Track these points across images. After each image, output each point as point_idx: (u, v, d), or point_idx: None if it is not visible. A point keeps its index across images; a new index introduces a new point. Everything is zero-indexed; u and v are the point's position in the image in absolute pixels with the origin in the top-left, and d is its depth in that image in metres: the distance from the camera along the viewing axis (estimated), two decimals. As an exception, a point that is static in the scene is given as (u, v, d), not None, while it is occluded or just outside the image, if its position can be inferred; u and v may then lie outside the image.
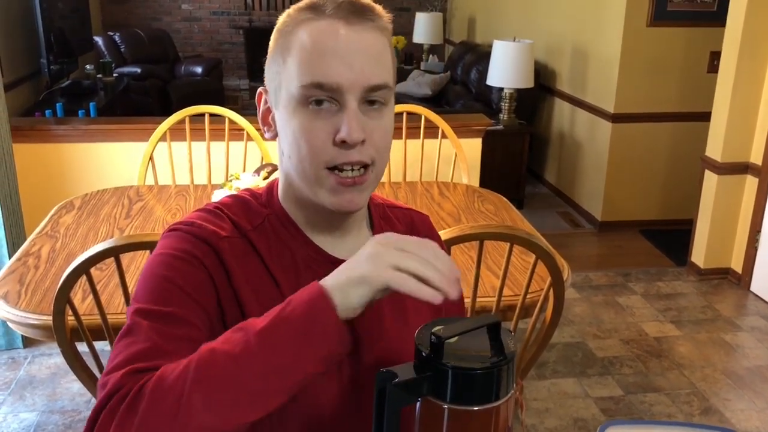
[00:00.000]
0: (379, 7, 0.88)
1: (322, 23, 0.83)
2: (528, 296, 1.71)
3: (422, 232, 1.03)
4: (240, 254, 0.86)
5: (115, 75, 6.06)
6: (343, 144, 0.82)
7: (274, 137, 0.90)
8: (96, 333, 1.60)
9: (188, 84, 6.81)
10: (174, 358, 0.73)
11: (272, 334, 0.71)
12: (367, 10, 0.85)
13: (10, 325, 1.69)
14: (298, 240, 0.91)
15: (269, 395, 0.70)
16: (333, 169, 0.84)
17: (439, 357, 0.70)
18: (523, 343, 1.78)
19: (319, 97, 0.82)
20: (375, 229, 0.98)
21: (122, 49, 6.74)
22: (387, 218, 1.01)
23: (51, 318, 1.55)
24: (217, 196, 2.00)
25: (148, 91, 6.28)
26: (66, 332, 1.56)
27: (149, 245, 1.47)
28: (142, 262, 1.87)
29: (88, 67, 5.98)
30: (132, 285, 1.71)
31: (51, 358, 2.78)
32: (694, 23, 4.05)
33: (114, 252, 1.44)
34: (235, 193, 1.71)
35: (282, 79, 0.85)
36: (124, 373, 0.72)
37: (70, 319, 1.56)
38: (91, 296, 1.67)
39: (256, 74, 8.23)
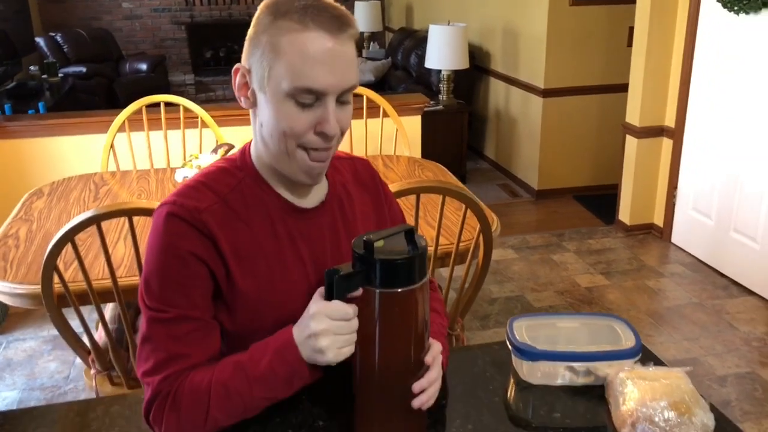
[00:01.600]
0: (350, 15, 1.03)
1: (312, 35, 0.98)
2: (461, 243, 1.96)
3: (364, 176, 1.25)
4: (220, 218, 1.06)
5: (60, 75, 6.10)
6: (322, 134, 1.03)
7: (251, 107, 1.08)
8: (79, 298, 1.79)
9: (134, 81, 6.88)
10: (192, 356, 1.03)
11: (267, 383, 1.01)
12: (344, 22, 1.00)
13: (-1, 297, 1.86)
14: (270, 195, 1.11)
15: (265, 408, 1.05)
16: (306, 147, 1.04)
17: (370, 254, 0.94)
18: (460, 286, 2.03)
19: (307, 98, 1.00)
20: (329, 177, 1.19)
21: (65, 49, 6.77)
22: (336, 168, 1.22)
23: (37, 287, 1.74)
24: (180, 174, 2.20)
25: (95, 90, 6.33)
26: (53, 298, 1.74)
27: (128, 212, 1.67)
28: (121, 228, 2.06)
29: (32, 68, 6.00)
30: (112, 250, 1.90)
31: (25, 342, 2.93)
32: (613, 1, 4.37)
33: (96, 220, 1.63)
34: (197, 170, 1.95)
35: (273, 72, 1.00)
36: (160, 380, 1.02)
37: (56, 285, 1.74)
38: (71, 266, 1.87)
39: (201, 69, 8.33)
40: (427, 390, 1.01)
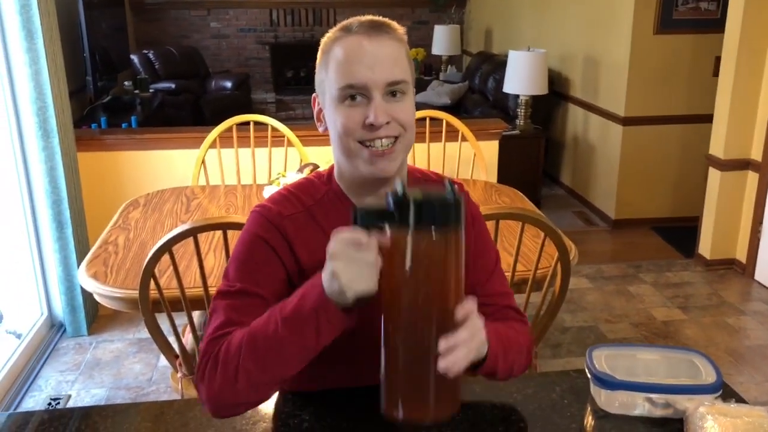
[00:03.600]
0: (394, 23, 1.14)
1: (350, 39, 1.10)
2: (538, 271, 1.98)
3: None
4: (301, 226, 1.17)
5: (150, 91, 6.42)
6: (371, 126, 1.10)
7: (325, 130, 1.19)
8: (170, 304, 1.90)
9: (219, 98, 7.16)
10: (245, 323, 1.07)
11: (293, 322, 1.00)
12: (383, 26, 1.12)
13: (98, 298, 1.99)
14: (349, 209, 1.19)
15: (298, 361, 1.04)
16: (365, 144, 1.11)
17: (404, 196, 0.93)
18: (536, 312, 2.04)
19: (352, 93, 1.09)
20: None
21: (156, 66, 7.11)
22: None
23: (134, 292, 1.86)
24: (268, 191, 2.30)
25: (182, 106, 6.62)
26: (149, 303, 1.85)
27: (221, 226, 1.77)
28: (211, 240, 2.19)
29: (126, 83, 6.35)
30: (206, 259, 2.02)
31: (113, 344, 3.09)
32: (699, 30, 4.29)
33: (193, 232, 1.74)
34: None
35: (326, 85, 1.13)
36: (208, 342, 1.09)
37: (151, 291, 1.85)
38: (165, 274, 1.98)
39: (282, 87, 8.59)
40: (454, 351, 0.93)
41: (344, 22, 1.13)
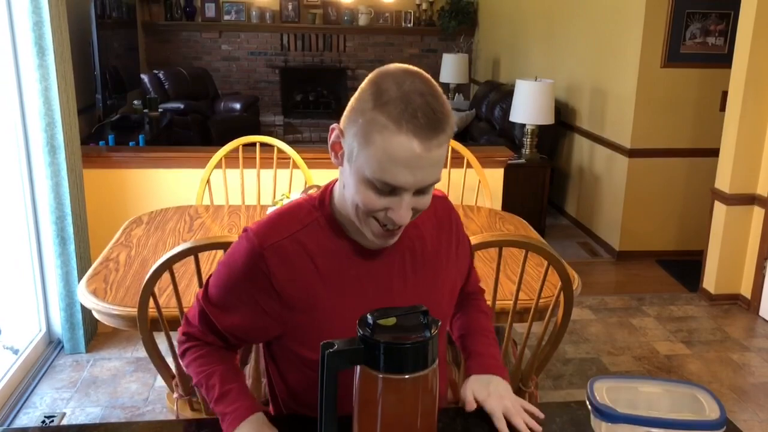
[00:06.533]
0: (448, 113, 1.03)
1: (402, 139, 0.99)
2: (541, 300, 1.96)
3: (442, 213, 1.30)
4: (284, 254, 1.14)
5: (159, 110, 6.46)
6: (391, 220, 1.07)
7: (339, 165, 1.12)
8: (169, 324, 1.88)
9: (228, 119, 7.20)
10: (206, 336, 1.26)
11: (220, 412, 1.20)
12: (440, 124, 1.01)
13: (97, 315, 1.98)
14: (339, 237, 1.18)
15: None
16: (380, 222, 1.08)
17: (372, 334, 0.91)
18: (538, 342, 2.02)
19: (385, 188, 1.04)
20: None
21: (166, 86, 7.17)
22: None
23: (133, 310, 1.84)
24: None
25: (190, 126, 6.66)
26: (147, 322, 1.84)
27: (222, 245, 1.76)
28: (212, 259, 2.18)
29: (135, 102, 6.39)
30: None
31: (110, 362, 3.07)
32: (706, 65, 4.31)
33: (194, 251, 1.73)
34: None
35: (359, 153, 1.04)
36: (182, 332, 1.31)
37: (150, 310, 1.83)
38: (165, 292, 1.97)
39: (290, 111, 8.64)
40: None
41: (396, 104, 1.00)
